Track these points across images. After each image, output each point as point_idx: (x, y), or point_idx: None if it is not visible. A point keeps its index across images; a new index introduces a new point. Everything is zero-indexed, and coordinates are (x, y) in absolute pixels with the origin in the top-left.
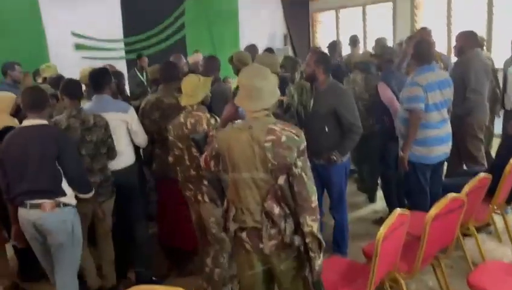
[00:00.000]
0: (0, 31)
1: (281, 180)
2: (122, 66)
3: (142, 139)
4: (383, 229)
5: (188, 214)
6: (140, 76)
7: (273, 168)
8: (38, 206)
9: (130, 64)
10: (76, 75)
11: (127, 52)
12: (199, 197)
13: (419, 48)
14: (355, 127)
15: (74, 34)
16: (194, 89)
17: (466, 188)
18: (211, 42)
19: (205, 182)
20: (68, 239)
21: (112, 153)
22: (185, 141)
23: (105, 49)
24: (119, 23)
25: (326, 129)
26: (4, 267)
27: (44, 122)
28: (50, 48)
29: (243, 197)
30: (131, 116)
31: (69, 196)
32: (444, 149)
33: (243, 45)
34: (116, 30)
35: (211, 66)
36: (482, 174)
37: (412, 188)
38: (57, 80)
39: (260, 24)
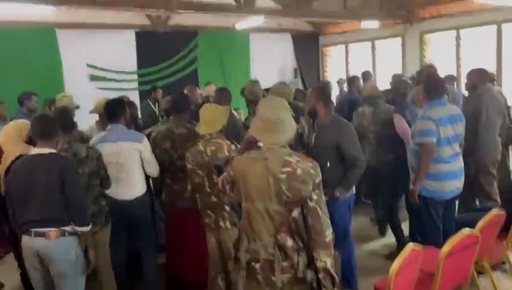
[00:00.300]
0: (20, 61)
1: (295, 213)
2: (135, 97)
3: (154, 168)
4: (395, 265)
5: (197, 245)
6: (153, 106)
7: (288, 201)
8: (43, 234)
9: (143, 95)
10: (90, 105)
11: (140, 83)
12: (220, 223)
13: (431, 82)
14: (358, 161)
15: (89, 66)
16: (213, 118)
17: (480, 224)
18: (222, 75)
19: (226, 208)
20: (71, 269)
21: (106, 183)
22: (206, 168)
23: (119, 80)
24: (133, 56)
25: (328, 164)
26: None
27: (52, 150)
28: (66, 78)
29: (256, 228)
30: (144, 146)
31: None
32: (456, 184)
33: (253, 78)
34: (131, 62)
35: (223, 97)
36: (495, 210)
37: (424, 223)
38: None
39: (271, 58)
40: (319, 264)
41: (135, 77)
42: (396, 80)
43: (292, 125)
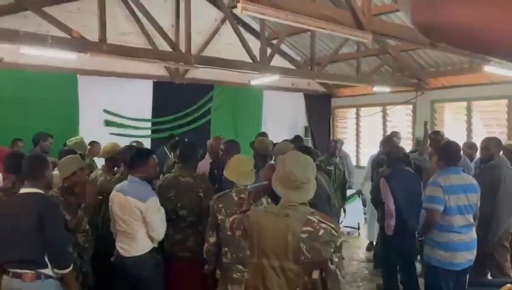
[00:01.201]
0: (40, 103)
1: (316, 274)
2: (147, 144)
3: (155, 232)
4: None
5: None
6: (168, 153)
7: (306, 261)
8: (19, 276)
9: (155, 143)
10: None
11: (153, 131)
12: None
13: (448, 149)
14: None
15: (106, 111)
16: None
17: None
18: (233, 128)
19: None
20: None
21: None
22: None
23: (132, 127)
24: (149, 104)
25: None
26: None
27: (38, 191)
28: (81, 121)
29: (270, 285)
30: (146, 206)
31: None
32: (468, 256)
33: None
34: (146, 111)
35: (232, 149)
36: (508, 286)
37: None
38: (67, 152)
39: (283, 115)
40: None
41: (149, 124)
42: (387, 142)
43: (315, 186)
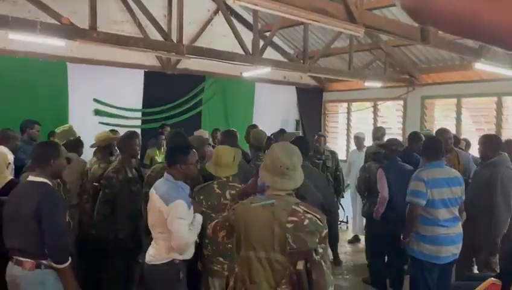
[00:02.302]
0: (29, 91)
1: (300, 265)
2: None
3: (176, 241)
4: None
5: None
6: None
7: (292, 252)
8: (20, 263)
9: (145, 133)
10: (91, 138)
11: (143, 121)
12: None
13: (429, 144)
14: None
15: (96, 101)
16: (232, 159)
17: None
18: (225, 120)
19: None
20: None
21: None
22: (223, 212)
23: (123, 117)
24: (140, 94)
25: None
26: None
27: (43, 180)
28: (71, 110)
29: (256, 278)
30: (169, 210)
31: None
32: (453, 250)
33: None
34: (136, 101)
35: (229, 140)
36: (491, 279)
37: (418, 287)
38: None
39: (274, 108)
40: None
41: (139, 115)
42: (377, 137)
43: (302, 176)
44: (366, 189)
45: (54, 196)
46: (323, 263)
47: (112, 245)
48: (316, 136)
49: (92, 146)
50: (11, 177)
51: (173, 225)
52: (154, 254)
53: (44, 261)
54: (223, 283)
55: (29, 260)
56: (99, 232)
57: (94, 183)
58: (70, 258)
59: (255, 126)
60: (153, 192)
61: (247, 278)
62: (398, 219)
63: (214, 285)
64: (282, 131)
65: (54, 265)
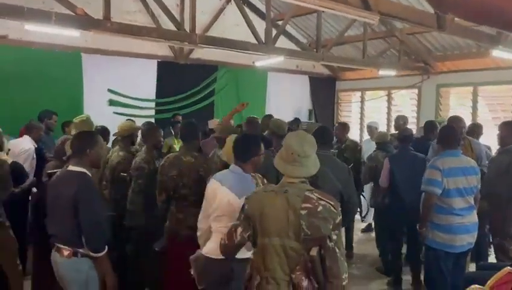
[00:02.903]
0: (44, 80)
1: (314, 251)
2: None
3: None
4: None
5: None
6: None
7: (306, 238)
8: (60, 250)
9: (158, 123)
10: (106, 125)
11: (156, 112)
12: None
13: (444, 132)
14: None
15: (110, 91)
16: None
17: (490, 282)
18: None
19: None
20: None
21: None
22: None
23: (136, 107)
24: (153, 85)
25: None
26: None
27: (80, 169)
28: (85, 100)
29: (270, 265)
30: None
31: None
32: (468, 239)
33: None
34: (150, 91)
35: (251, 128)
36: (508, 268)
37: (432, 275)
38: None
39: (287, 97)
40: None
41: (153, 105)
42: (399, 125)
43: (316, 164)
44: (371, 178)
45: (91, 185)
46: (337, 250)
47: (140, 233)
48: (336, 125)
49: (114, 135)
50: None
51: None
52: (214, 248)
53: (80, 250)
54: None
55: (67, 248)
56: (132, 222)
57: (122, 174)
58: (106, 247)
59: (270, 116)
60: (217, 184)
61: (262, 266)
62: (403, 208)
63: None
64: (296, 120)
65: (91, 254)
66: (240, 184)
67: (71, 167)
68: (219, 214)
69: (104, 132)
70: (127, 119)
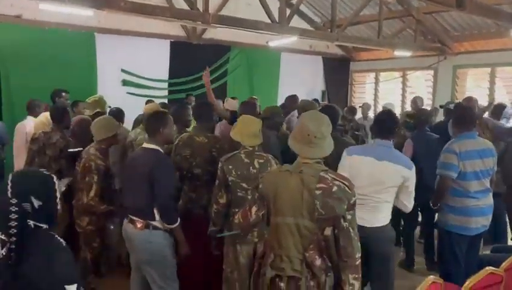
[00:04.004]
0: (58, 60)
1: (328, 231)
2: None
3: (411, 202)
4: None
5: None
6: None
7: (320, 218)
8: (133, 222)
9: (172, 104)
10: (120, 107)
11: (170, 92)
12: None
13: (461, 114)
14: None
15: (123, 71)
16: (259, 129)
17: (505, 264)
18: (250, 90)
19: None
20: (153, 260)
21: None
22: (252, 181)
23: (150, 87)
24: (166, 65)
25: None
26: None
27: (155, 147)
28: (99, 81)
29: (284, 243)
30: (411, 175)
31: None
32: (483, 221)
33: (280, 96)
34: (163, 71)
35: (247, 110)
36: None
37: (446, 257)
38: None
39: (300, 78)
40: (347, 288)
41: (166, 85)
42: (417, 106)
43: (331, 145)
44: None
45: (166, 161)
46: (351, 230)
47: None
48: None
49: (139, 116)
50: None
51: (412, 186)
52: (382, 217)
53: (153, 222)
54: (251, 250)
55: (140, 220)
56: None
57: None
58: (179, 219)
59: (294, 96)
60: (381, 162)
61: (276, 244)
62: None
63: (241, 252)
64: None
65: (166, 225)
66: (402, 157)
67: (146, 145)
68: (383, 188)
69: (119, 113)
70: (147, 100)
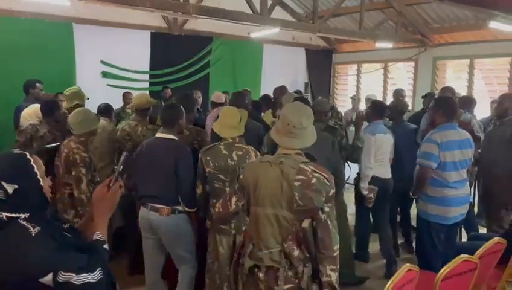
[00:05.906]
0: (35, 52)
1: (306, 223)
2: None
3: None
4: (389, 285)
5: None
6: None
7: (299, 209)
8: (157, 209)
9: (153, 95)
10: (100, 100)
11: (151, 84)
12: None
13: (443, 104)
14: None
15: (103, 62)
16: (238, 121)
17: (479, 252)
18: (233, 82)
19: None
20: (180, 240)
21: None
22: (230, 173)
23: (130, 79)
24: (147, 56)
25: None
26: None
27: (172, 137)
28: (78, 72)
29: (263, 233)
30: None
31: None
32: (460, 210)
33: (263, 88)
34: (144, 63)
35: (239, 101)
36: (496, 239)
37: (425, 246)
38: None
39: (283, 70)
40: (325, 278)
41: (147, 77)
42: (395, 97)
43: (313, 136)
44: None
45: (188, 151)
46: (329, 222)
47: None
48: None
49: (128, 107)
50: None
51: None
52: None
53: (178, 207)
54: (230, 240)
55: (165, 207)
56: None
57: None
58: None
59: (283, 88)
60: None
61: (255, 234)
62: (405, 178)
63: (221, 242)
64: (299, 93)
65: (187, 209)
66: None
67: (162, 135)
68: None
69: (109, 108)
70: (125, 92)
